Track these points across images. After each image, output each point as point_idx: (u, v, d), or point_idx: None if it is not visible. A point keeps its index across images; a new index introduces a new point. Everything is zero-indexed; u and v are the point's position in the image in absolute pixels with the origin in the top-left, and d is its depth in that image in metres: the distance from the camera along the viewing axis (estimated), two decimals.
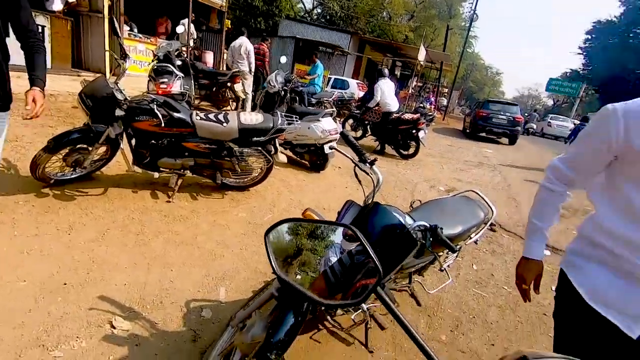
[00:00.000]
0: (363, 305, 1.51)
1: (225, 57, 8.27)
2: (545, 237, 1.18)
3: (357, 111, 7.65)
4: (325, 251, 0.64)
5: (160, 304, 1.90)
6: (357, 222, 1.31)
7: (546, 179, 1.18)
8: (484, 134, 12.67)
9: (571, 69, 37.55)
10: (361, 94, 11.21)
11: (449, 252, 2.16)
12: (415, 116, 6.60)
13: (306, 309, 1.26)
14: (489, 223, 2.15)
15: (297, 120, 3.29)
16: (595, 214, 1.06)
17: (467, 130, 13.68)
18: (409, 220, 1.61)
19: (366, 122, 7.34)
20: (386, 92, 6.67)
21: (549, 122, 20.57)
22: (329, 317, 1.82)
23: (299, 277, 0.60)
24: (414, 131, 6.49)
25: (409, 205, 2.18)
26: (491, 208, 2.22)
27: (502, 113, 12.36)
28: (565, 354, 0.44)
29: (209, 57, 10.16)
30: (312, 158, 4.62)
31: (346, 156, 1.56)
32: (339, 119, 9.04)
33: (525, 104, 54.93)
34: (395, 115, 6.64)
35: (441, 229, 1.52)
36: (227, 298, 2.05)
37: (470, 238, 2.09)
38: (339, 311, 1.71)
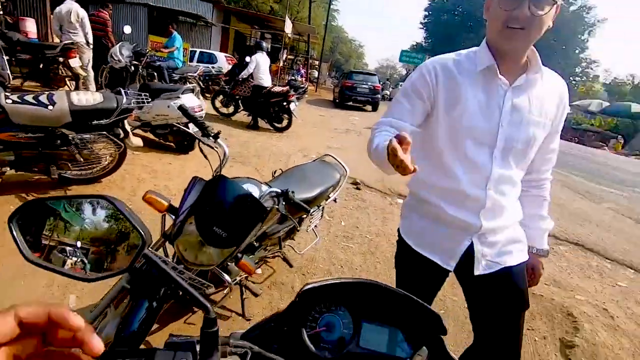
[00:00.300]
0: (227, 277, 1.53)
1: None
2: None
3: (227, 86, 7.35)
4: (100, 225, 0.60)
5: None
6: (203, 197, 1.29)
7: (374, 130, 1.22)
8: (351, 103, 13.78)
9: (417, 42, 43.51)
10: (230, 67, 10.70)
11: (314, 213, 2.36)
12: (285, 89, 6.71)
13: (163, 295, 1.21)
14: (343, 182, 2.39)
15: (147, 98, 2.97)
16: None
17: (337, 101, 14.64)
18: (264, 189, 1.67)
19: (237, 97, 7.13)
20: (261, 66, 6.65)
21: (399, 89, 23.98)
22: None
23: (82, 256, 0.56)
24: (285, 104, 6.61)
25: (272, 175, 2.26)
26: (345, 168, 2.47)
27: (364, 83, 13.64)
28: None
29: (30, 25, 8.16)
30: (176, 139, 4.28)
31: (187, 132, 1.50)
32: (208, 95, 8.54)
33: (384, 74, 61.46)
34: (266, 89, 6.64)
35: (292, 192, 1.63)
36: (79, 305, 1.81)
37: (329, 197, 2.30)
38: (212, 289, 1.70)
